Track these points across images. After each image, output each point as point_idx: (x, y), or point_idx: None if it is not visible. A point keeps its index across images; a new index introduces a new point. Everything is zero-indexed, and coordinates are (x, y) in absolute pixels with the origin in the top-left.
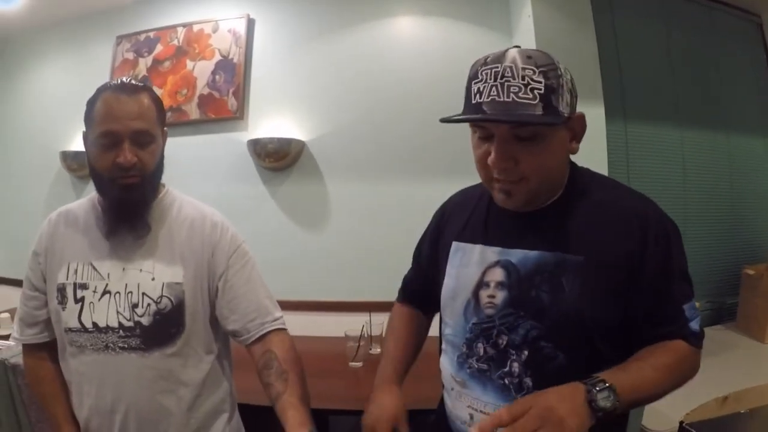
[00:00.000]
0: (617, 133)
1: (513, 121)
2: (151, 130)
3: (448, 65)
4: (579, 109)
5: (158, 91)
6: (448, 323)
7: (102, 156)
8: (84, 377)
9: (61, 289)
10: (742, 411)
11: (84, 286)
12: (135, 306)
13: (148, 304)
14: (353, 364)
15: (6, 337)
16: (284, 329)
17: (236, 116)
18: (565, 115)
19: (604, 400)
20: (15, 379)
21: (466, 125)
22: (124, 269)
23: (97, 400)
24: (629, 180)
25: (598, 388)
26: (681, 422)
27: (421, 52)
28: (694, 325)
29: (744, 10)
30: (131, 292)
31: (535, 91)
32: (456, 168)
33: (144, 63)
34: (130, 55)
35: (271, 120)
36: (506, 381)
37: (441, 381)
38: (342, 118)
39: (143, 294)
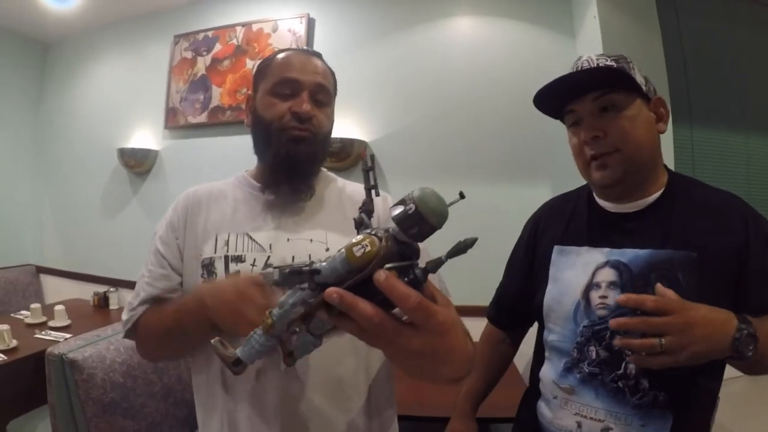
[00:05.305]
0: (683, 136)
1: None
2: (330, 91)
3: (509, 65)
4: None
5: (217, 90)
6: (553, 329)
7: (276, 104)
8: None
9: (208, 265)
10: None
11: (239, 259)
12: None
13: None
14: None
15: (61, 329)
16: None
17: None
18: (643, 88)
19: (745, 346)
20: (72, 374)
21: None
22: (288, 240)
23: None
24: None
25: (746, 332)
26: None
27: (482, 53)
28: None
29: None
30: None
31: (610, 60)
32: (520, 168)
33: (203, 62)
34: (189, 54)
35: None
36: (620, 384)
37: (535, 392)
38: (404, 118)
39: None
